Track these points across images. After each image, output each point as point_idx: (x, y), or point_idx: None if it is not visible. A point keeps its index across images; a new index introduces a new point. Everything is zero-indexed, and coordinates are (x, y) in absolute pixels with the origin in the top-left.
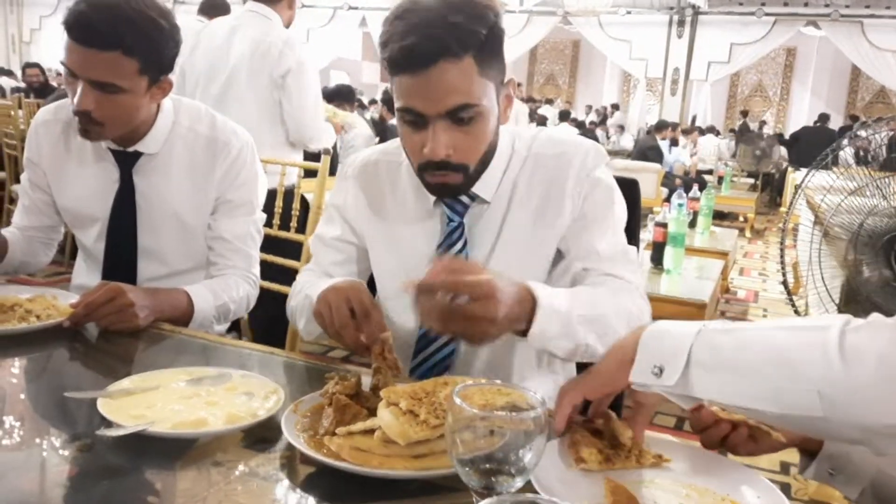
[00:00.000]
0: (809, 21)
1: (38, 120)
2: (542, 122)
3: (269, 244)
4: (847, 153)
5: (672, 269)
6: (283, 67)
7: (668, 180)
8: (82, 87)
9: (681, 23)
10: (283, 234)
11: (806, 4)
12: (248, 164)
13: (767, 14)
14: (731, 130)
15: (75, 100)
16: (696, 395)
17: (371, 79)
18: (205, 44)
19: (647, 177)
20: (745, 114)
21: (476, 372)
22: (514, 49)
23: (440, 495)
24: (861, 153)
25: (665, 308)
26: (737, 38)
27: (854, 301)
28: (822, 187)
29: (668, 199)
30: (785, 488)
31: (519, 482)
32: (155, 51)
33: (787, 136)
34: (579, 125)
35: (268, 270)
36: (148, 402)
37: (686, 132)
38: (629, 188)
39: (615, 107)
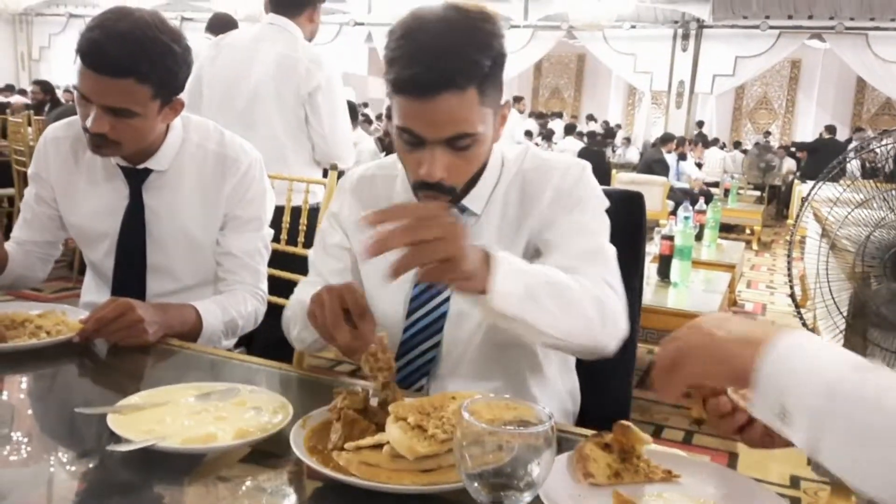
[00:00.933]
0: (814, 34)
1: (48, 136)
2: (549, 136)
3: (286, 260)
4: (854, 165)
5: (679, 282)
6: (311, 85)
7: (674, 193)
8: (96, 112)
9: (685, 36)
10: (302, 251)
11: (810, 17)
12: (257, 181)
13: (772, 27)
14: (737, 143)
15: (89, 123)
16: (826, 465)
17: (377, 94)
18: (226, 55)
19: (653, 190)
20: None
21: (460, 376)
22: (519, 63)
23: None
24: (868, 165)
25: (672, 321)
26: (741, 51)
27: (862, 314)
28: (829, 199)
29: (674, 212)
30: (795, 502)
31: (527, 497)
32: (168, 75)
33: (793, 149)
34: (589, 135)
35: (278, 286)
36: (157, 417)
37: (692, 143)
38: (634, 201)
39: (618, 126)
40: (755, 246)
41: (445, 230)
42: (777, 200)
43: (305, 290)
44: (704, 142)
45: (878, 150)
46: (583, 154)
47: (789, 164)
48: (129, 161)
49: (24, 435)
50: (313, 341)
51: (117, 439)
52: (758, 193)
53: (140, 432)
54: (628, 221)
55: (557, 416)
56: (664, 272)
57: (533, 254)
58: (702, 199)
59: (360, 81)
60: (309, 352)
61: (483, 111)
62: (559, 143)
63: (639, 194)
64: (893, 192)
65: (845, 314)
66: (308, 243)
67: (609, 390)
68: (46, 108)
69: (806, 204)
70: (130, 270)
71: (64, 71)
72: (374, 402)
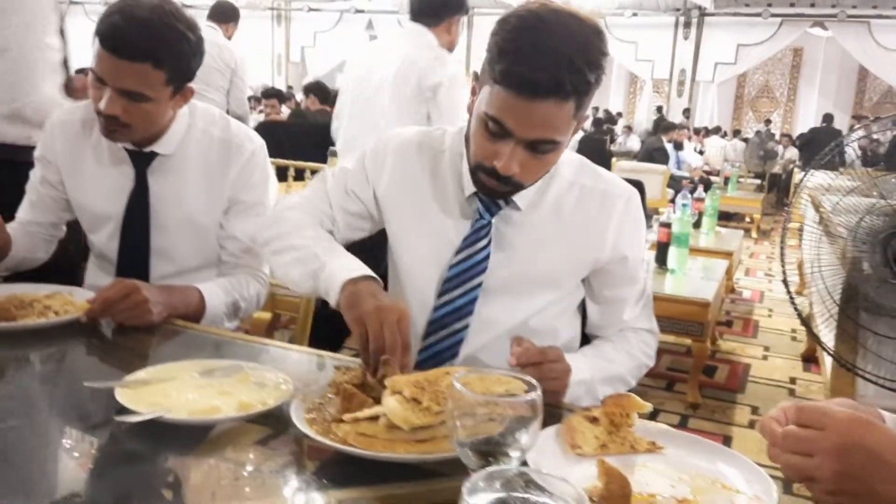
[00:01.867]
0: (816, 22)
1: (55, 120)
2: None
3: None
4: (851, 152)
5: (676, 269)
6: (433, 80)
7: (674, 181)
8: (110, 94)
9: (687, 24)
10: None
11: (812, 5)
12: (261, 166)
13: (774, 15)
14: (736, 132)
15: (102, 105)
16: None
17: None
18: (364, 56)
19: (654, 178)
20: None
21: (487, 357)
22: None
23: (442, 477)
24: (868, 153)
25: (669, 307)
26: (743, 39)
27: (853, 299)
28: (822, 186)
29: (673, 200)
30: (787, 484)
31: (515, 462)
32: (182, 62)
33: (794, 137)
34: (595, 122)
35: None
36: (163, 391)
37: (696, 132)
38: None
39: (619, 115)
40: (754, 234)
41: (561, 375)
42: (777, 189)
43: (307, 219)
44: (703, 130)
45: (868, 139)
46: (584, 142)
47: (791, 152)
48: (135, 144)
49: (35, 409)
50: (308, 291)
51: (125, 412)
52: (758, 182)
53: (147, 405)
54: None
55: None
56: (662, 259)
57: (594, 270)
58: (701, 187)
59: None
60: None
61: (572, 123)
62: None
63: (639, 182)
64: (885, 178)
65: (837, 300)
66: None
67: None
68: None
69: (797, 191)
70: (134, 253)
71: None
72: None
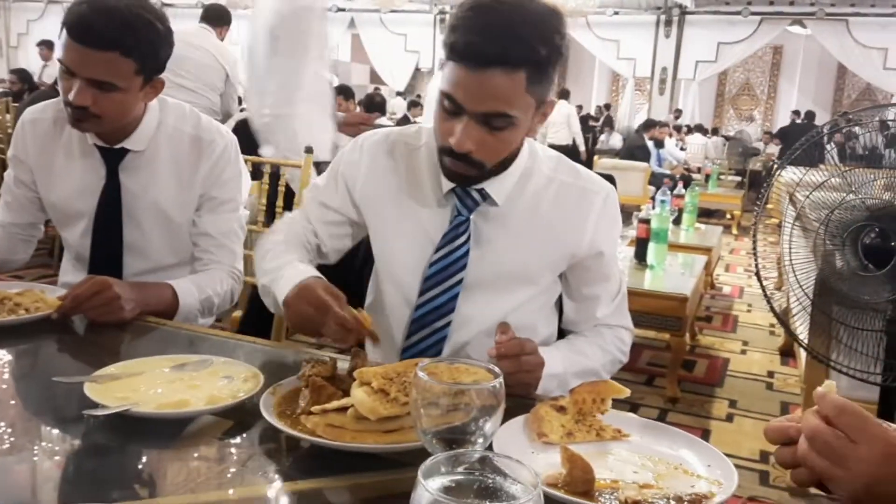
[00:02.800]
0: (795, 20)
1: (26, 118)
2: None
3: None
4: (829, 147)
5: (655, 265)
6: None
7: (655, 178)
8: (79, 85)
9: (668, 22)
10: None
11: (791, 3)
12: (233, 162)
13: (753, 13)
14: (714, 130)
15: (72, 95)
16: None
17: (360, 80)
18: None
19: (635, 175)
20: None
21: (469, 354)
22: None
23: (410, 466)
24: (847, 149)
25: (648, 302)
26: (724, 37)
27: (826, 293)
28: (794, 182)
29: (654, 197)
30: (763, 476)
31: (479, 449)
32: (151, 52)
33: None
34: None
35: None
36: (132, 386)
37: (677, 129)
38: None
39: (606, 107)
40: (735, 230)
41: (534, 368)
42: (758, 185)
43: (278, 248)
44: (685, 128)
45: (842, 134)
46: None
47: (772, 149)
48: (105, 141)
49: (6, 406)
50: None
51: (94, 406)
52: (738, 179)
53: (115, 399)
54: None
55: None
56: (641, 255)
57: (570, 265)
58: (681, 184)
59: (343, 68)
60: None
61: (526, 98)
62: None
63: (609, 177)
64: (854, 172)
65: (811, 295)
66: None
67: None
68: (24, 97)
69: (769, 185)
70: (107, 250)
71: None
72: (341, 369)
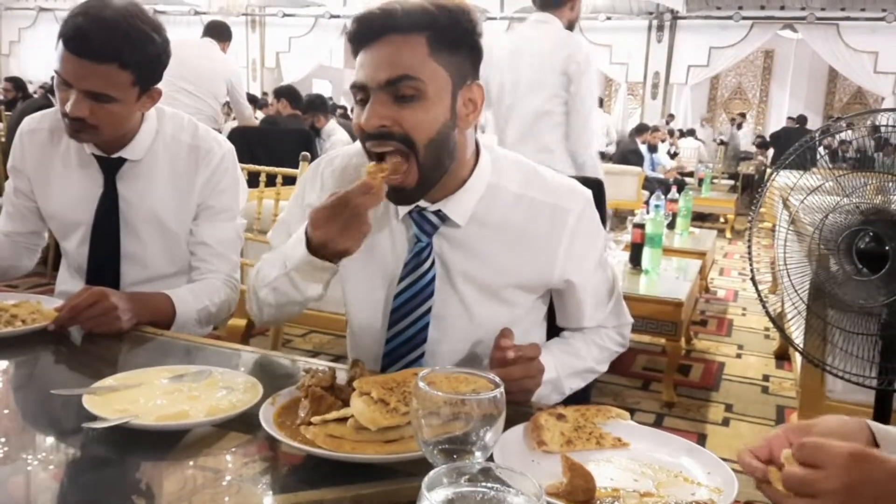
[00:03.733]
0: (786, 24)
1: (24, 129)
2: None
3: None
4: (821, 151)
5: (650, 270)
6: (570, 70)
7: (648, 183)
8: (76, 96)
9: (660, 27)
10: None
11: (782, 7)
12: (230, 171)
13: (745, 17)
14: (690, 131)
15: (69, 107)
16: None
17: None
18: (501, 55)
19: (628, 179)
20: (733, 121)
21: None
22: None
23: (410, 476)
24: (839, 153)
25: (643, 307)
26: (715, 42)
27: (821, 297)
28: (788, 186)
29: (647, 202)
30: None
31: (480, 459)
32: (148, 64)
33: (767, 138)
34: None
35: None
36: (131, 398)
37: (670, 133)
38: (594, 189)
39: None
40: (729, 234)
41: (538, 374)
42: (751, 189)
43: (267, 267)
44: (677, 132)
45: (833, 138)
46: None
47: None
48: (103, 150)
49: (2, 418)
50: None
51: (93, 419)
52: (731, 182)
53: (114, 411)
54: None
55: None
56: (636, 260)
57: (558, 287)
58: (674, 188)
59: (336, 74)
60: (299, 346)
61: (432, 65)
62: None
63: (599, 182)
64: (849, 177)
65: (805, 299)
66: None
67: None
68: (18, 105)
69: (763, 190)
70: (105, 259)
71: (34, 65)
72: (340, 379)
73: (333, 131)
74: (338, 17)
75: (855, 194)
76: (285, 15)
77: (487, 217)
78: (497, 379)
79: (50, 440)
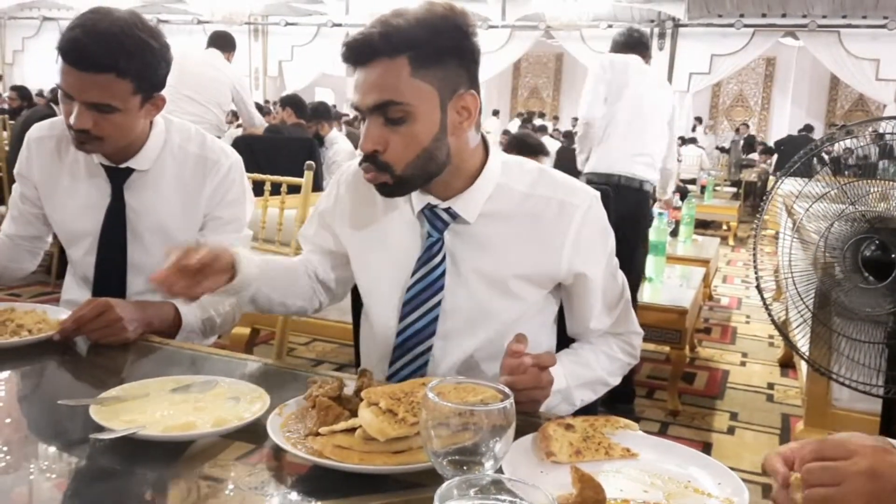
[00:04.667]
0: (788, 31)
1: (32, 136)
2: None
3: None
4: (825, 159)
5: (654, 278)
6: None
7: None
8: (78, 108)
9: (661, 35)
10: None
11: (784, 15)
12: (237, 183)
13: (746, 25)
14: (690, 139)
15: (72, 119)
16: None
17: None
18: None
19: None
20: (738, 130)
21: (456, 371)
22: (498, 63)
23: (419, 488)
24: (842, 161)
25: (648, 315)
26: (717, 49)
27: (826, 305)
28: (793, 193)
29: None
30: (766, 488)
31: (490, 470)
32: (147, 71)
33: (770, 145)
34: (565, 135)
35: None
36: (138, 408)
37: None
38: (640, 195)
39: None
40: (731, 242)
41: (548, 385)
42: (754, 196)
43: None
44: (678, 140)
45: (834, 147)
46: (561, 153)
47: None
48: (111, 160)
49: (8, 428)
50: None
51: (100, 429)
52: (734, 190)
53: (121, 422)
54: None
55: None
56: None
57: (558, 283)
58: (677, 196)
59: (338, 83)
60: (302, 354)
61: (416, 84)
62: None
63: (606, 191)
64: (853, 184)
65: (811, 307)
66: (285, 242)
67: None
68: (23, 114)
69: (769, 198)
70: (111, 268)
71: (38, 74)
72: (348, 389)
73: (336, 140)
74: (340, 25)
75: (859, 202)
76: (288, 24)
77: (496, 213)
78: (507, 389)
79: (55, 450)
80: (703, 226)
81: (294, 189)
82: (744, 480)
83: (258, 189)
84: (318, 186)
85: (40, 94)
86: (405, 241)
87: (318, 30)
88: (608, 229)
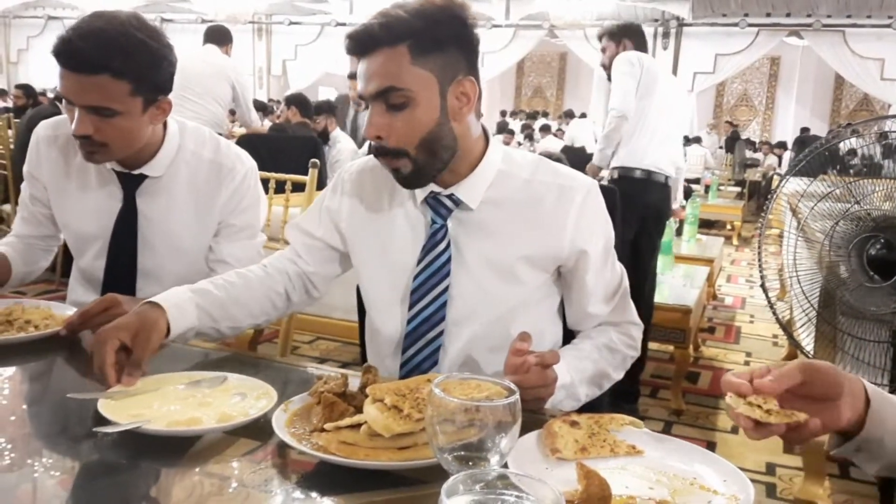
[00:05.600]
0: (792, 31)
1: (40, 135)
2: (530, 135)
3: None
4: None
5: (665, 270)
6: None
7: None
8: (78, 113)
9: (665, 34)
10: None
11: (788, 14)
12: (252, 189)
13: (751, 24)
14: (696, 138)
15: (73, 126)
16: None
17: None
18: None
19: None
20: (731, 124)
21: (465, 363)
22: (502, 62)
23: (424, 484)
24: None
25: (654, 314)
26: (721, 49)
27: (831, 303)
28: (798, 192)
29: None
30: (770, 488)
31: (495, 466)
32: (145, 71)
33: (773, 144)
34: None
35: None
36: (146, 402)
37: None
38: (608, 196)
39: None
40: (735, 241)
41: (552, 382)
42: (758, 196)
43: (275, 256)
44: (685, 139)
45: (840, 145)
46: (565, 152)
47: (771, 159)
48: (124, 166)
49: (14, 423)
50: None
51: (106, 423)
52: (738, 189)
53: (128, 416)
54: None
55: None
56: None
57: (560, 267)
58: (682, 195)
59: (342, 82)
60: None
61: (416, 71)
62: (540, 141)
63: (613, 190)
64: (859, 183)
65: (816, 305)
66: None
67: None
68: (28, 112)
69: (773, 197)
70: (121, 273)
71: (42, 73)
72: (353, 386)
73: (339, 139)
74: (344, 24)
75: (865, 201)
76: (291, 23)
77: (498, 199)
78: (512, 386)
79: (61, 445)
80: (707, 225)
81: (298, 187)
82: (755, 481)
83: (263, 186)
84: (322, 184)
85: (43, 93)
86: (409, 232)
87: (321, 29)
88: (607, 216)
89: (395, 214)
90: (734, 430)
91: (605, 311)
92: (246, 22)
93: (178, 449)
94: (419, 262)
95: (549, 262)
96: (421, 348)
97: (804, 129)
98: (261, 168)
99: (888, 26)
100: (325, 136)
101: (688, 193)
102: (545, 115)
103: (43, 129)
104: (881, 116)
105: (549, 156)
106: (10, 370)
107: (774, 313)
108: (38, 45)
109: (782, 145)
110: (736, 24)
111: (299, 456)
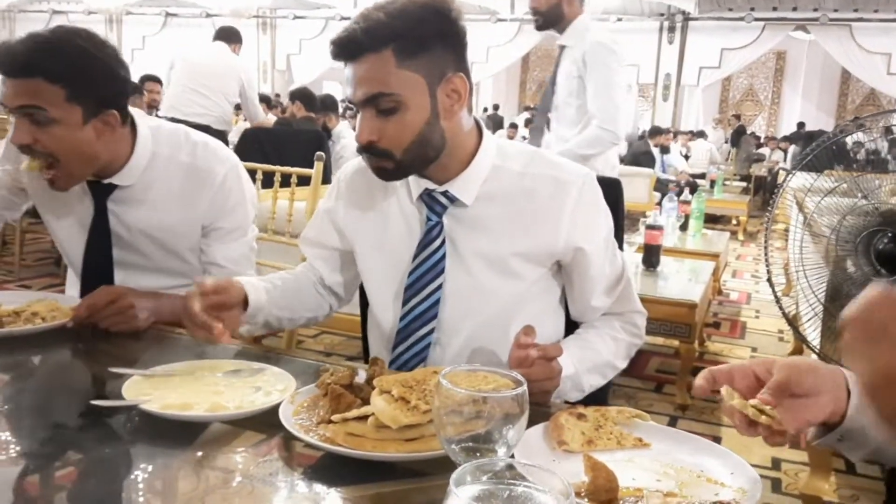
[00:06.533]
0: (798, 25)
1: None
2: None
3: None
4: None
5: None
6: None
7: (660, 184)
8: (15, 122)
9: (671, 29)
10: (291, 241)
11: (794, 9)
12: (235, 189)
13: (757, 19)
14: (701, 132)
15: (11, 135)
16: None
17: None
18: None
19: (640, 181)
20: (737, 117)
21: (457, 355)
22: (506, 57)
23: (432, 475)
24: (852, 154)
25: (657, 309)
26: (727, 43)
27: (838, 298)
28: (805, 187)
29: (660, 203)
30: (776, 483)
31: (502, 456)
32: (83, 79)
33: (779, 139)
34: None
35: None
36: (173, 384)
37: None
38: (612, 188)
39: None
40: (741, 236)
41: (557, 374)
42: (763, 191)
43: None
44: (689, 134)
45: (847, 140)
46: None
47: (777, 154)
48: (94, 175)
49: (18, 414)
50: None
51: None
52: (744, 184)
53: (139, 395)
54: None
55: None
56: (649, 262)
57: (558, 262)
58: (687, 190)
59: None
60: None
61: (403, 74)
62: (545, 136)
63: (616, 181)
64: (865, 178)
65: (822, 300)
66: (295, 233)
67: None
68: None
69: (779, 192)
70: (98, 282)
71: None
72: (360, 378)
73: (342, 134)
74: (348, 19)
75: (872, 195)
76: (296, 17)
77: (493, 194)
78: (519, 377)
79: (66, 436)
80: (712, 220)
81: (304, 181)
82: (763, 477)
83: (268, 180)
84: (327, 178)
85: None
86: (405, 228)
87: (326, 23)
88: (605, 208)
89: (391, 212)
90: None
91: (608, 303)
92: (250, 16)
93: (184, 440)
94: (414, 257)
95: (544, 257)
96: (410, 345)
97: (800, 125)
98: (266, 162)
99: (895, 20)
100: (326, 132)
101: (693, 188)
102: None
103: None
104: (888, 111)
105: None
106: (19, 361)
107: (781, 308)
108: None
109: (788, 140)
110: (742, 19)
111: (305, 448)
